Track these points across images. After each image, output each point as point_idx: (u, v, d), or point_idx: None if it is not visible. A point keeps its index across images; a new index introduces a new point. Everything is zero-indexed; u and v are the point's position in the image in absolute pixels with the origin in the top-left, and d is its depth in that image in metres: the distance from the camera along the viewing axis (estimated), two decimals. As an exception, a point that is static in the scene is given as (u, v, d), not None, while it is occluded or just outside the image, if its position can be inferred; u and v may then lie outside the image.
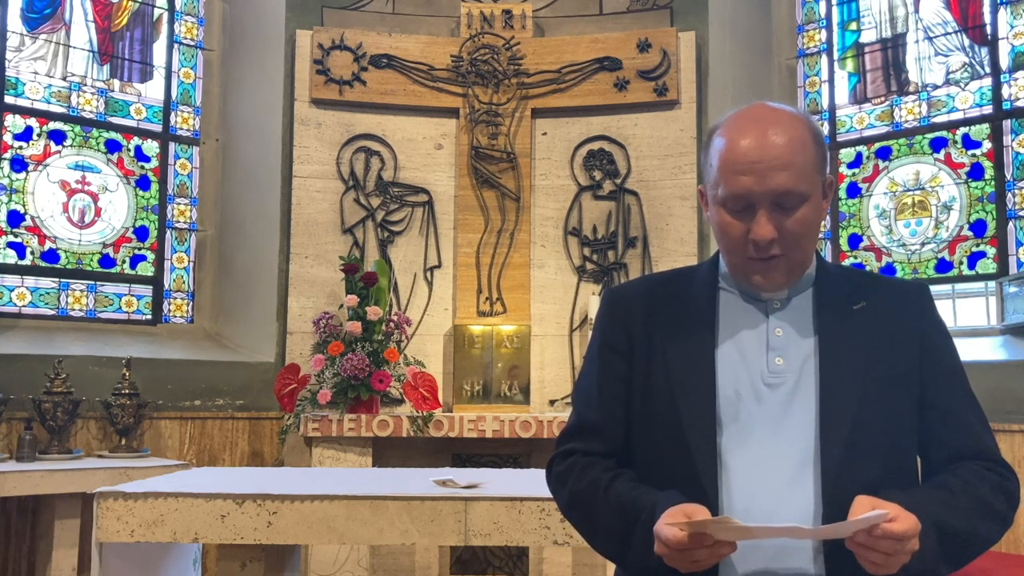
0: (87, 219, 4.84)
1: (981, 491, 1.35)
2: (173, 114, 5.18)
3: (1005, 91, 4.52)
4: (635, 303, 1.51)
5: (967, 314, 4.54)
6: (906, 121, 4.83)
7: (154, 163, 5.09)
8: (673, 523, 1.23)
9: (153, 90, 5.15)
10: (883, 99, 4.95)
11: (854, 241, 4.93)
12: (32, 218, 4.67)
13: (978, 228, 4.53)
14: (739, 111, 1.41)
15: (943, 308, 4.44)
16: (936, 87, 4.77)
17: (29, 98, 4.70)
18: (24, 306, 4.61)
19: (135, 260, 4.97)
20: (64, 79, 4.84)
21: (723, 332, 1.43)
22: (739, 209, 1.36)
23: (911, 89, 4.86)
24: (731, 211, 1.37)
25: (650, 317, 1.48)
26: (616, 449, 1.49)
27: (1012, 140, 4.48)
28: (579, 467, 1.47)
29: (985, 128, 4.56)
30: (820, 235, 4.92)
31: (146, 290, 4.99)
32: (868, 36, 5.06)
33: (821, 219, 1.41)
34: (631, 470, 1.46)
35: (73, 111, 4.84)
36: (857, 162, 4.97)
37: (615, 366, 1.49)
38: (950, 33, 4.76)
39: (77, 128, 4.84)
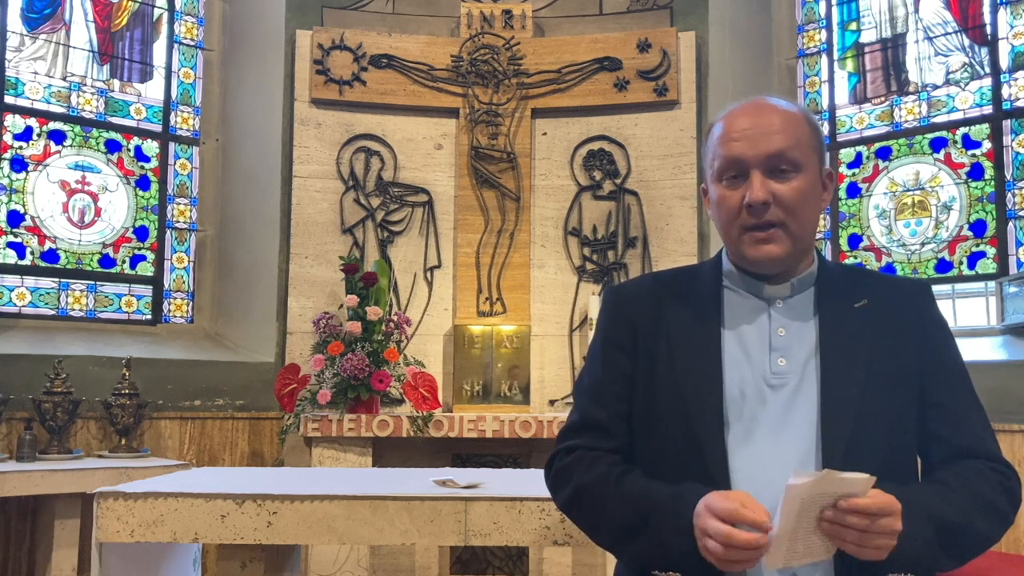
0: (87, 219, 4.84)
1: (980, 488, 1.35)
2: (173, 114, 5.18)
3: (1005, 91, 4.51)
4: (642, 299, 1.52)
5: (967, 314, 4.54)
6: (906, 121, 4.83)
7: (154, 163, 5.09)
8: (752, 514, 1.21)
9: (153, 90, 5.15)
10: (883, 99, 4.95)
11: (854, 241, 4.93)
12: (32, 218, 4.67)
13: (978, 228, 4.53)
14: (738, 103, 1.47)
15: (943, 308, 4.46)
16: (936, 87, 4.76)
17: (29, 98, 4.70)
18: (24, 306, 4.60)
19: (135, 260, 4.97)
20: (64, 79, 4.84)
21: (727, 331, 1.44)
22: (733, 176, 1.40)
23: (911, 89, 4.85)
24: (727, 180, 1.41)
25: (658, 313, 1.48)
26: (620, 446, 1.49)
27: (1012, 140, 4.48)
28: (586, 461, 1.47)
29: (985, 128, 4.56)
30: (820, 235, 4.93)
31: (146, 290, 4.99)
32: (868, 36, 5.05)
33: (819, 200, 1.44)
34: (636, 466, 1.46)
35: (73, 111, 4.84)
36: (857, 162, 4.97)
37: (619, 363, 1.49)
38: (950, 33, 4.76)
39: (77, 128, 4.84)
